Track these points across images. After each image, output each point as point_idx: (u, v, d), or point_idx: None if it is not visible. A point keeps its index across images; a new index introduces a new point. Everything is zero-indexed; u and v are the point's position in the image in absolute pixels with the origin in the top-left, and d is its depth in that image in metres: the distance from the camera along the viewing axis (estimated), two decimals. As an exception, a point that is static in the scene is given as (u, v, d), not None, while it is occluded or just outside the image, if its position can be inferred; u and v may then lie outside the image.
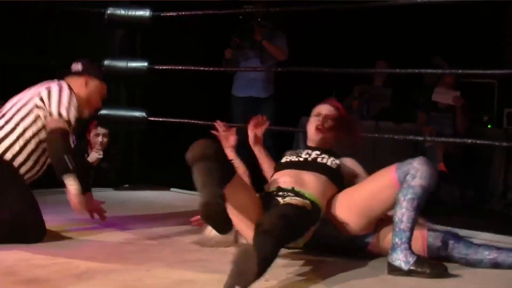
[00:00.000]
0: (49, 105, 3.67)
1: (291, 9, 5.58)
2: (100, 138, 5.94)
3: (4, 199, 3.56)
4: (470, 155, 6.19)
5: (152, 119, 5.65)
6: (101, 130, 5.93)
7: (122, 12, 5.53)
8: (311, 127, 3.70)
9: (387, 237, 3.38)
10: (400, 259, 3.12)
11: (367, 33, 7.03)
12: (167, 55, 6.37)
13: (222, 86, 6.53)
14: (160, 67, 5.64)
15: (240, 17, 6.10)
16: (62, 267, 3.09)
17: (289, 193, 3.24)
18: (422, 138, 5.61)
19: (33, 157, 3.71)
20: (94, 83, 3.94)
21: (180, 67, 5.56)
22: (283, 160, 3.62)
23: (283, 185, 3.33)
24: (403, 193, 3.17)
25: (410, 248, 3.13)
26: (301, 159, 3.54)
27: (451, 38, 6.69)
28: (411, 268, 3.09)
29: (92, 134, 5.96)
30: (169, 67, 5.64)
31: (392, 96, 6.86)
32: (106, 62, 5.56)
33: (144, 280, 2.93)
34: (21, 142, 3.67)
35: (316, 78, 6.41)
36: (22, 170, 3.69)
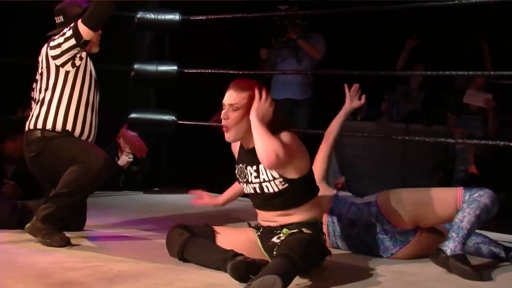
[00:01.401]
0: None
1: (326, 11, 5.55)
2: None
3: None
4: (501, 157, 6.14)
5: (181, 122, 5.67)
6: (131, 133, 5.95)
7: (151, 16, 5.56)
8: None
9: (426, 239, 3.44)
10: (449, 246, 3.20)
11: (405, 36, 6.98)
12: (196, 57, 6.39)
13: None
14: (190, 71, 5.66)
15: (276, 19, 6.04)
16: (94, 270, 3.13)
17: (282, 232, 3.21)
18: (453, 141, 5.56)
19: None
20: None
21: (209, 71, 5.58)
22: (242, 185, 3.38)
23: (272, 225, 3.27)
24: (468, 203, 3.30)
25: (462, 244, 3.20)
26: (254, 190, 3.25)
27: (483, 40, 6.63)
28: (452, 258, 3.14)
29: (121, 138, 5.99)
30: (199, 71, 5.66)
31: (424, 99, 6.83)
32: (136, 66, 5.59)
33: (175, 284, 2.95)
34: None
35: (354, 81, 6.38)
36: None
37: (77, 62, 3.84)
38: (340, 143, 6.24)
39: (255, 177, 3.20)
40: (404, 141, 6.05)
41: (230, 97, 3.16)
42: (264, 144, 3.01)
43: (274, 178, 3.16)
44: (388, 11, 5.14)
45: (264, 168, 3.14)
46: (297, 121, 6.14)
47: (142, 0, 5.99)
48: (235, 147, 3.36)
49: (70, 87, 3.84)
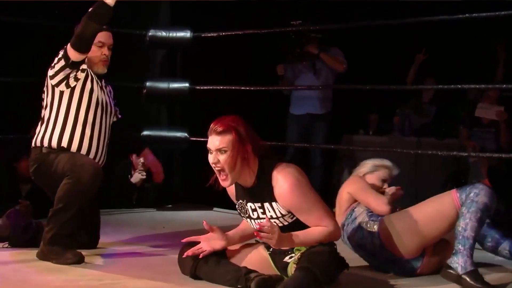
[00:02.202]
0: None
1: (339, 26, 5.56)
2: (142, 159, 5.99)
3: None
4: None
5: (194, 139, 5.68)
6: (152, 157, 5.96)
7: (163, 33, 5.58)
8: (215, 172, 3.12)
9: (436, 256, 3.41)
10: (459, 263, 3.15)
11: (416, 49, 6.98)
12: (208, 74, 6.40)
13: (267, 104, 6.50)
14: (202, 87, 5.67)
15: (291, 34, 6.02)
16: (109, 288, 3.12)
17: (294, 251, 3.16)
18: (466, 154, 5.54)
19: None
20: None
21: (221, 87, 5.58)
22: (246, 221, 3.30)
23: (282, 249, 3.15)
24: (467, 207, 3.22)
25: (471, 257, 3.15)
26: (254, 224, 3.16)
27: (494, 53, 6.61)
28: (465, 276, 3.10)
29: (134, 155, 6.01)
30: (211, 87, 5.67)
31: (435, 112, 6.82)
32: (148, 83, 5.61)
33: (190, 301, 2.95)
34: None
35: (366, 96, 6.37)
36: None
37: (72, 82, 3.87)
38: (352, 158, 6.24)
39: (262, 213, 3.11)
40: (417, 155, 6.04)
41: (215, 142, 3.02)
42: (321, 242, 3.04)
43: (283, 215, 3.08)
44: (399, 25, 5.14)
45: (272, 206, 3.07)
46: (318, 135, 6.12)
47: (153, 18, 6.02)
48: (229, 188, 3.24)
49: (65, 106, 3.87)
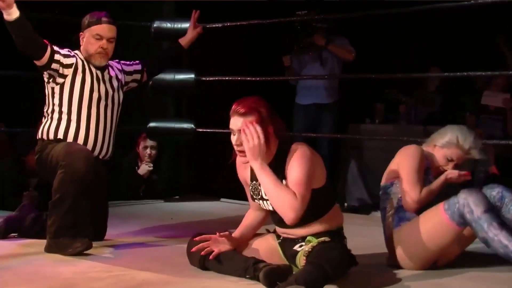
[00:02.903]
0: None
1: (345, 15, 5.56)
2: (148, 151, 6.02)
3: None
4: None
5: (200, 130, 5.69)
6: (149, 142, 6.01)
7: (168, 25, 5.58)
8: (234, 148, 3.10)
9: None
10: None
11: (421, 39, 6.97)
12: (214, 65, 6.42)
13: (273, 95, 6.50)
14: (208, 79, 5.68)
15: (297, 24, 6.02)
16: (118, 279, 3.14)
17: (307, 239, 3.16)
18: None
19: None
20: (85, 35, 4.02)
21: (227, 78, 5.59)
22: (257, 203, 3.25)
23: (292, 237, 3.21)
24: (478, 229, 3.18)
25: None
26: (270, 207, 3.13)
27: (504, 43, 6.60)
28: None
29: (141, 146, 6.04)
30: (216, 78, 5.68)
31: (442, 101, 6.81)
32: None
33: (199, 292, 2.97)
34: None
35: (370, 84, 6.36)
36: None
37: (59, 80, 3.94)
38: (359, 147, 6.26)
39: None
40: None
41: (237, 122, 3.02)
42: (279, 202, 2.94)
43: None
44: (406, 13, 5.13)
45: (282, 182, 3.04)
46: (325, 125, 6.12)
47: (157, 9, 6.02)
48: (242, 170, 3.27)
49: (58, 100, 3.95)
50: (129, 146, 6.13)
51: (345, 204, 6.10)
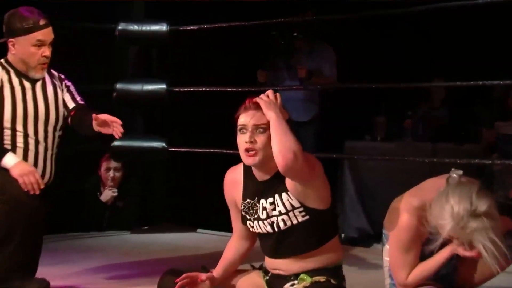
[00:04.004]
0: None
1: (338, 17, 5.59)
2: (111, 173, 5.98)
3: None
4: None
5: (174, 149, 5.66)
6: (113, 163, 5.98)
7: (135, 27, 5.56)
8: (241, 150, 3.13)
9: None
10: None
11: (422, 47, 7.02)
12: (188, 74, 6.40)
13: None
14: (181, 89, 5.66)
15: (273, 32, 6.06)
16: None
17: (300, 277, 3.16)
18: (490, 162, 5.55)
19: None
20: (19, 42, 3.89)
21: (203, 89, 5.58)
22: (250, 225, 3.26)
23: (283, 273, 3.20)
24: None
25: None
26: (267, 228, 3.17)
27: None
28: None
29: (102, 169, 6.01)
30: (191, 89, 5.66)
31: (450, 116, 6.84)
32: (118, 86, 5.56)
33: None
34: None
35: (365, 97, 6.38)
36: None
37: None
38: (357, 167, 6.25)
39: (272, 210, 3.14)
40: (432, 163, 6.03)
41: (254, 117, 3.09)
42: (283, 139, 2.98)
43: (294, 208, 3.10)
44: (407, 14, 5.16)
45: (281, 198, 3.10)
46: (303, 144, 6.12)
47: (124, 10, 6.02)
48: (232, 189, 3.29)
49: None
50: (91, 169, 6.11)
51: (342, 235, 6.09)
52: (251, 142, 3.06)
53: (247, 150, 3.07)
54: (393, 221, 3.28)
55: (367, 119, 6.75)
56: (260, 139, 3.07)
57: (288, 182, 3.09)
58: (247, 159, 3.10)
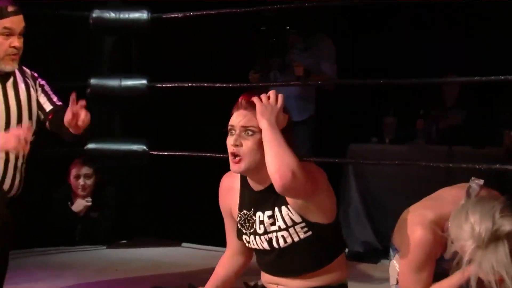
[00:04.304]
0: None
1: (335, 4, 5.56)
2: (81, 181, 5.98)
3: None
4: None
5: (155, 153, 5.60)
6: (83, 170, 5.96)
7: (111, 15, 5.50)
8: (229, 154, 3.13)
9: None
10: None
11: (434, 39, 7.02)
12: (171, 68, 6.38)
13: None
14: (164, 85, 5.61)
15: (263, 28, 6.04)
16: None
17: None
18: (512, 167, 5.50)
19: None
20: None
21: (189, 84, 5.52)
22: (245, 240, 3.26)
23: None
24: None
25: None
26: (265, 245, 3.17)
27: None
28: None
29: (72, 175, 5.99)
30: (175, 85, 5.60)
31: (467, 116, 6.83)
32: (93, 81, 5.50)
33: None
34: None
35: (371, 95, 6.36)
36: None
37: None
38: (363, 173, 6.23)
39: (271, 225, 3.13)
40: (448, 169, 6.00)
41: (244, 117, 3.08)
42: (279, 156, 2.95)
43: (295, 223, 3.09)
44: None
45: (281, 212, 3.10)
46: (297, 147, 6.09)
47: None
48: (228, 196, 3.29)
49: None
50: (61, 176, 6.10)
51: (346, 250, 6.05)
52: (236, 145, 3.05)
53: (233, 154, 3.07)
54: (403, 236, 3.23)
55: (373, 119, 6.75)
56: (247, 143, 3.07)
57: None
58: (232, 166, 3.10)
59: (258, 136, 3.04)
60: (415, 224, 3.20)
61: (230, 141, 3.07)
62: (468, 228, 2.95)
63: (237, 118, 3.08)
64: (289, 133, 3.11)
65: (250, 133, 3.06)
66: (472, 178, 3.18)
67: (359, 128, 6.74)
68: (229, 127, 3.09)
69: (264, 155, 2.99)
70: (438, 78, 6.22)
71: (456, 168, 5.63)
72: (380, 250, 5.95)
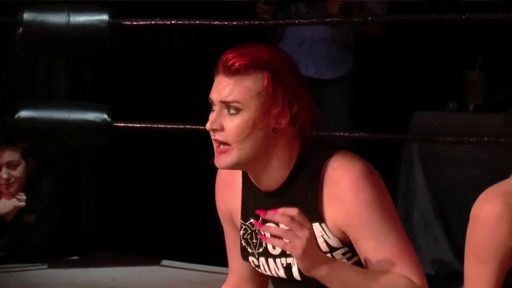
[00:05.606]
0: None
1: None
2: (3, 173, 5.95)
3: None
4: None
5: (120, 124, 5.64)
6: (4, 157, 5.96)
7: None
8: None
9: None
10: None
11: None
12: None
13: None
14: (134, 23, 5.68)
15: None
16: None
17: None
18: None
19: None
20: None
21: (159, 22, 5.61)
22: (253, 263, 3.21)
23: None
24: None
25: None
26: (281, 271, 3.10)
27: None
28: None
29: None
30: (148, 23, 5.66)
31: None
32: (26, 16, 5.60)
33: None
34: None
35: (442, 39, 6.43)
36: None
37: None
38: (435, 158, 6.25)
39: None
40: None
41: (224, 87, 2.95)
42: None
43: (333, 249, 3.03)
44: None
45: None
46: (328, 115, 6.17)
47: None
48: (226, 194, 3.24)
49: None
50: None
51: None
52: (214, 129, 2.95)
53: (216, 141, 2.96)
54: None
55: (450, 75, 6.79)
56: (230, 126, 2.94)
57: (328, 209, 3.01)
58: (216, 158, 2.98)
59: (246, 114, 2.93)
60: (485, 202, 3.16)
61: (210, 119, 2.96)
62: None
63: (216, 89, 2.96)
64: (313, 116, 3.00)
65: (233, 111, 2.93)
66: None
67: (426, 90, 6.80)
68: (209, 101, 2.98)
69: (263, 141, 2.93)
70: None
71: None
72: (461, 273, 5.97)
